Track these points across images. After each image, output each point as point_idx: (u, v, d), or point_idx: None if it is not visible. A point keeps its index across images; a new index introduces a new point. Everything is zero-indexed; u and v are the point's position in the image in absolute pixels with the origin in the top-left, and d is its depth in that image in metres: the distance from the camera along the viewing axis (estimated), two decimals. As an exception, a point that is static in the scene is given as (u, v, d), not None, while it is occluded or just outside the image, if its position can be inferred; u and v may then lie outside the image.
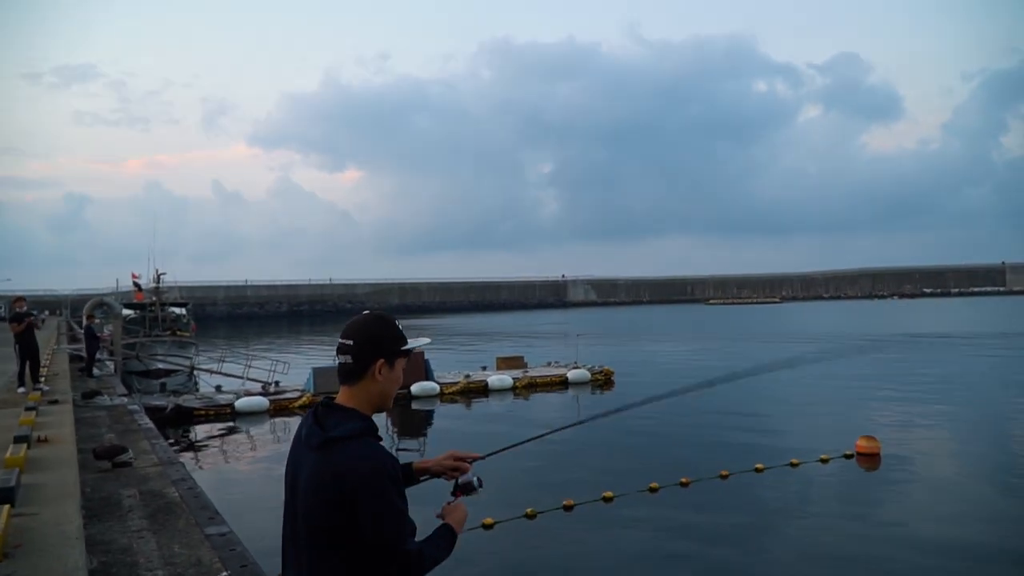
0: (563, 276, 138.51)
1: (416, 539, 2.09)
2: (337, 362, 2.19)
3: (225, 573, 4.76)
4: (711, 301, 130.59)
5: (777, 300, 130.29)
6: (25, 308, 13.38)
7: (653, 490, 11.99)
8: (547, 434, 3.29)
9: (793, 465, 13.37)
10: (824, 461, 13.67)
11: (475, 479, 2.41)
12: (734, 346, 42.78)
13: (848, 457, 13.88)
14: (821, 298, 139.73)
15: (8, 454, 6.29)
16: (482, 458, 2.54)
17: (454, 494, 2.38)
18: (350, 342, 2.12)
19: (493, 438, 15.35)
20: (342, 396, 2.15)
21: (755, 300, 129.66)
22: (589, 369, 26.30)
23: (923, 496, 12.01)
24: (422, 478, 2.46)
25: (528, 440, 3.31)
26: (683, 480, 12.39)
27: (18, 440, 6.94)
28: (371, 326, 2.17)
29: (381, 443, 2.09)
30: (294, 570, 2.10)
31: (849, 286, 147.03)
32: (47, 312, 68.35)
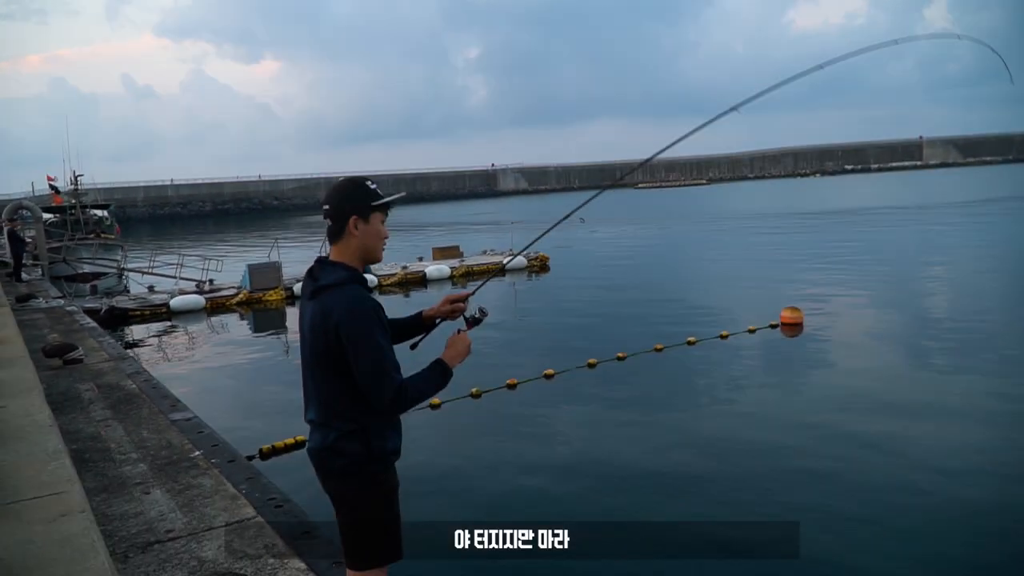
0: (492, 165, 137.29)
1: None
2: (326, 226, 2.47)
3: (198, 452, 5.01)
4: (640, 185, 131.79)
5: (704, 182, 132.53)
6: None
7: (591, 366, 12.60)
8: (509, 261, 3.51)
9: (723, 337, 14.15)
10: (751, 332, 14.50)
11: (477, 310, 2.73)
12: (663, 228, 43.85)
13: (773, 327, 14.75)
14: (746, 178, 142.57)
15: (-41, 355, 6.30)
16: (472, 293, 2.84)
17: (468, 327, 2.69)
18: (327, 206, 2.44)
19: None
20: (332, 254, 2.46)
21: (683, 183, 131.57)
22: (525, 255, 26.72)
23: (841, 360, 12.88)
24: (437, 322, 2.80)
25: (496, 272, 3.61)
26: (619, 355, 13.03)
27: (-36, 342, 6.91)
28: (342, 188, 2.48)
29: (364, 288, 2.41)
30: (312, 400, 2.46)
31: (773, 165, 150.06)
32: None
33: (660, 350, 13.36)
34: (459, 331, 2.65)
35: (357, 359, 2.30)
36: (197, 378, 13.79)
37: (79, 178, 33.27)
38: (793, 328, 14.70)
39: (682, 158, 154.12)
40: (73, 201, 31.88)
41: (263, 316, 20.30)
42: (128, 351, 11.24)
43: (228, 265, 26.39)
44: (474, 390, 11.31)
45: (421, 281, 24.25)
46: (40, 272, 22.12)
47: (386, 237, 2.52)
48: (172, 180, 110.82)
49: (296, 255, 29.81)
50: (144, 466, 4.80)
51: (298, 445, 8.18)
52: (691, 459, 8.66)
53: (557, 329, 16.92)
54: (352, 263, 2.43)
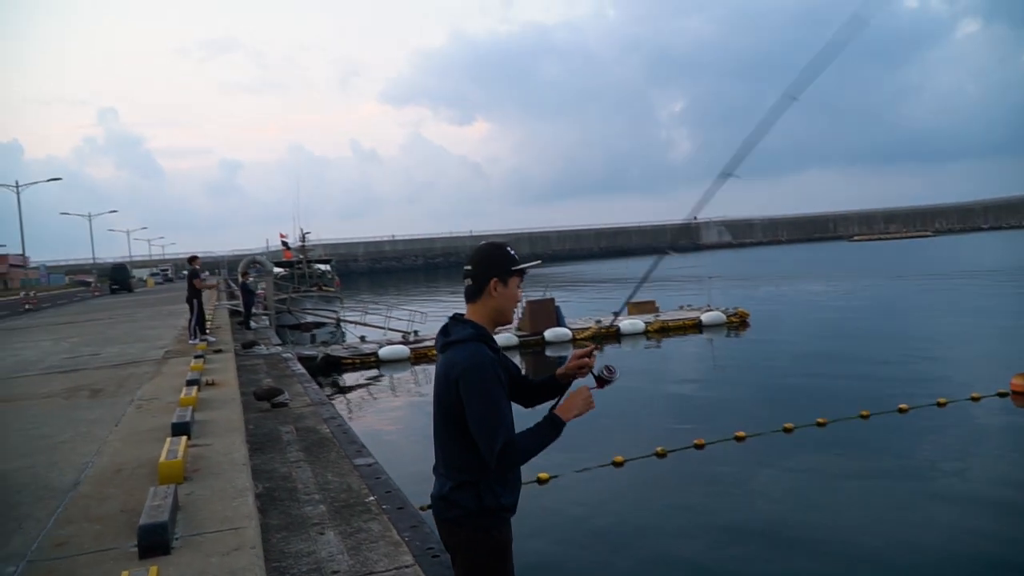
0: (695, 218, 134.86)
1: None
2: (464, 285, 2.59)
3: (372, 498, 5.23)
4: (856, 238, 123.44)
5: (929, 234, 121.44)
6: (197, 266, 14.75)
7: (787, 431, 11.80)
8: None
9: (940, 405, 12.75)
10: (975, 399, 12.95)
11: (604, 369, 2.69)
12: (878, 284, 40.57)
13: (1003, 396, 13.07)
14: (980, 229, 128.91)
15: (183, 395, 7.10)
16: (597, 347, 2.80)
17: (598, 387, 2.66)
18: (469, 267, 2.58)
19: (624, 383, 15.51)
20: (467, 313, 2.59)
21: (904, 235, 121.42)
22: (723, 311, 25.82)
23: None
24: (571, 382, 2.77)
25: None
26: (819, 420, 12.11)
27: (190, 383, 7.79)
28: (485, 251, 2.62)
29: (489, 346, 2.48)
30: (436, 449, 2.54)
31: (1011, 215, 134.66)
32: (207, 272, 73.77)
33: (866, 417, 12.24)
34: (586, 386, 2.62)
35: (470, 412, 2.37)
36: (389, 424, 14.57)
37: (306, 235, 36.87)
38: (1028, 397, 12.92)
39: (904, 208, 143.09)
40: (300, 256, 35.29)
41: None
42: (329, 397, 12.11)
43: (433, 316, 27.86)
44: (660, 449, 10.98)
45: (615, 336, 24.10)
46: (268, 321, 24.55)
47: (519, 300, 2.66)
48: (393, 236, 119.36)
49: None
50: (324, 507, 5.08)
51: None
52: (899, 536, 7.77)
53: (753, 389, 16.06)
54: (483, 322, 2.54)
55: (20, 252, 71.11)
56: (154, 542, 3.53)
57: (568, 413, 2.51)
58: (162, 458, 4.71)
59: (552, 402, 2.76)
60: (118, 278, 52.43)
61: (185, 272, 15.30)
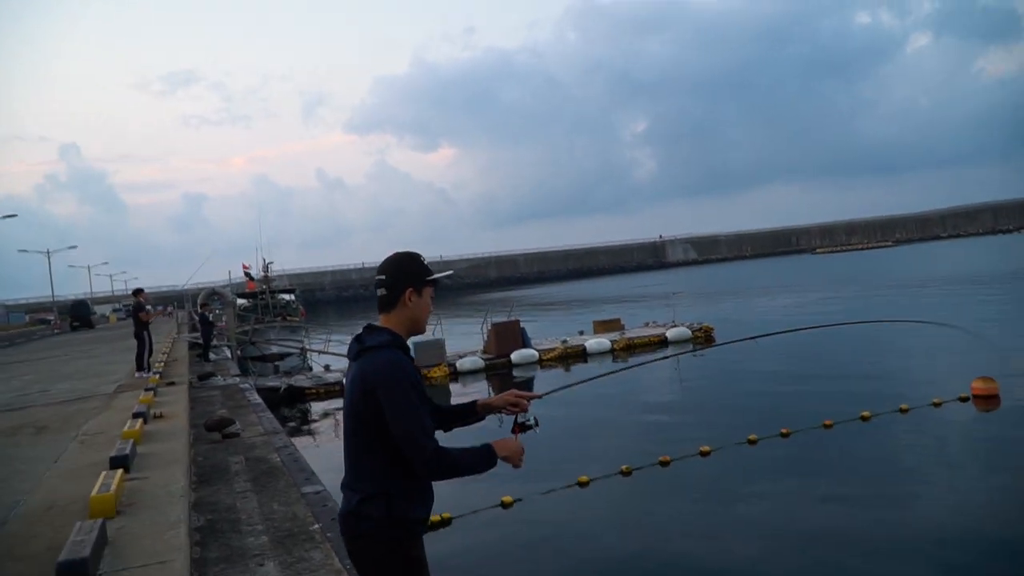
0: (660, 236, 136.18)
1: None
2: (377, 295, 2.54)
3: (317, 526, 5.08)
4: (818, 250, 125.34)
5: (890, 244, 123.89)
6: (143, 300, 14.50)
7: (752, 442, 11.80)
8: (602, 376, 3.42)
9: (902, 411, 12.84)
10: (936, 405, 13.07)
11: (533, 418, 2.64)
12: (838, 295, 41.13)
13: (963, 400, 13.22)
14: (939, 238, 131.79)
15: (126, 428, 6.89)
16: (540, 397, 2.77)
17: (513, 431, 2.60)
18: (383, 276, 2.52)
19: (594, 399, 15.44)
20: (381, 322, 2.53)
21: (866, 246, 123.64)
22: (688, 327, 25.94)
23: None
24: (487, 415, 2.73)
25: (585, 380, 3.53)
26: (783, 431, 12.14)
27: (136, 416, 7.57)
28: (399, 260, 2.58)
29: (405, 353, 2.44)
30: (347, 461, 2.44)
31: (969, 223, 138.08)
32: (171, 306, 72.59)
33: (829, 426, 12.27)
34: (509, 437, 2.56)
35: (394, 418, 2.30)
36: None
37: (269, 265, 36.51)
38: (987, 401, 13.07)
39: (864, 219, 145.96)
40: (263, 287, 34.89)
41: (428, 392, 20.89)
42: (293, 428, 11.90)
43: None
44: (624, 467, 10.89)
45: (581, 355, 24.07)
46: (229, 353, 24.15)
47: (431, 311, 2.61)
48: (363, 263, 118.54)
49: (461, 328, 30.74)
50: (266, 538, 4.93)
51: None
52: (865, 549, 7.76)
53: (717, 403, 16.08)
54: (398, 331, 2.48)
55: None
56: (73, 579, 3.37)
57: (503, 451, 2.46)
58: (93, 492, 4.54)
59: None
60: (79, 315, 51.62)
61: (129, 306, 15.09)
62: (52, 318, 67.85)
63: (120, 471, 5.11)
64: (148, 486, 5.09)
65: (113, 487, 4.64)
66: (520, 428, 2.61)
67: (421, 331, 2.58)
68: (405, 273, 2.53)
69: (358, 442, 2.38)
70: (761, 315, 33.86)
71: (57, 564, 3.42)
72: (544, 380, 21.38)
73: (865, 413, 12.66)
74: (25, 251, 68.72)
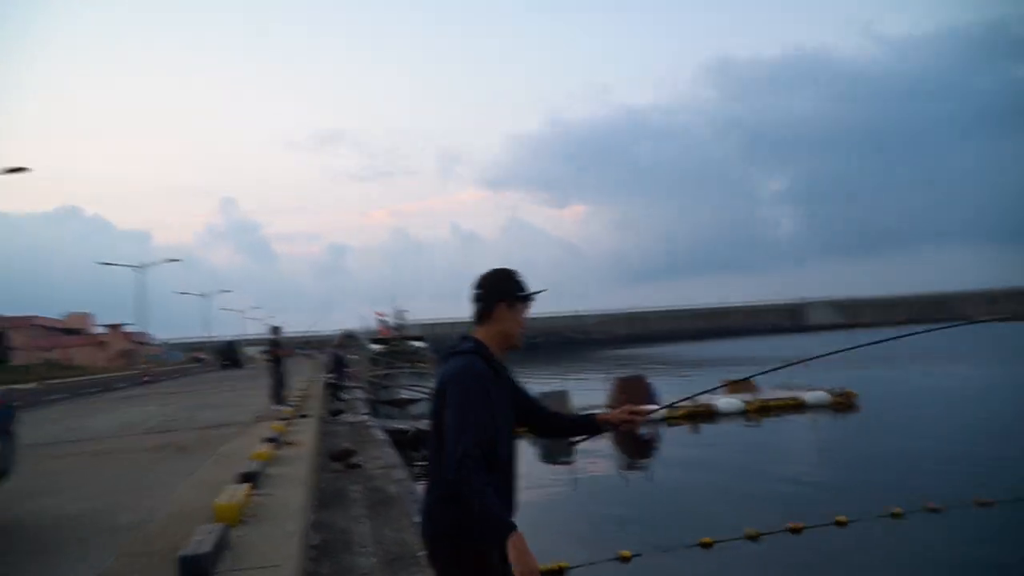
0: (801, 298, 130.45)
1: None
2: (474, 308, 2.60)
3: (423, 552, 5.12)
4: (982, 319, 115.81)
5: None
6: (278, 336, 15.34)
7: (896, 516, 10.91)
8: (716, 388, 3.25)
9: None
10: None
11: (650, 435, 2.58)
12: (1003, 367, 37.72)
13: None
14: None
15: (256, 450, 7.25)
16: (653, 411, 2.84)
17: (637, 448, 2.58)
18: (479, 290, 2.59)
19: (718, 463, 14.82)
20: (475, 334, 2.57)
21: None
22: (828, 391, 24.55)
23: None
24: (606, 430, 2.75)
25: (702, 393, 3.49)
26: (930, 505, 11.16)
27: (267, 440, 7.96)
28: (495, 275, 2.62)
29: (487, 362, 2.45)
30: (428, 464, 2.45)
31: None
32: (313, 351, 76.24)
33: (987, 504, 11.16)
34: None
35: (448, 415, 2.30)
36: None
37: (403, 314, 37.80)
38: None
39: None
40: (396, 334, 36.10)
41: (550, 443, 20.73)
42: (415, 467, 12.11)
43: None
44: (750, 531, 10.33)
45: (710, 414, 23.20)
46: (360, 394, 24.99)
47: (524, 327, 2.62)
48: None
49: (587, 384, 30.48)
50: (375, 559, 5.02)
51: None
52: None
53: (856, 471, 15.02)
54: (490, 344, 2.53)
55: (142, 330, 75.69)
56: (192, 572, 3.55)
57: (515, 548, 2.10)
58: (219, 501, 4.78)
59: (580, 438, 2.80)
60: (228, 354, 55.14)
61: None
62: (204, 357, 72.84)
63: (247, 485, 5.36)
64: (271, 502, 5.30)
65: (238, 498, 4.87)
66: (642, 443, 2.58)
67: (515, 345, 2.59)
68: (499, 288, 2.58)
69: (435, 442, 2.37)
70: (917, 383, 31.56)
71: (180, 557, 3.60)
72: (670, 439, 20.76)
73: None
74: (186, 293, 74.72)
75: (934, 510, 11.05)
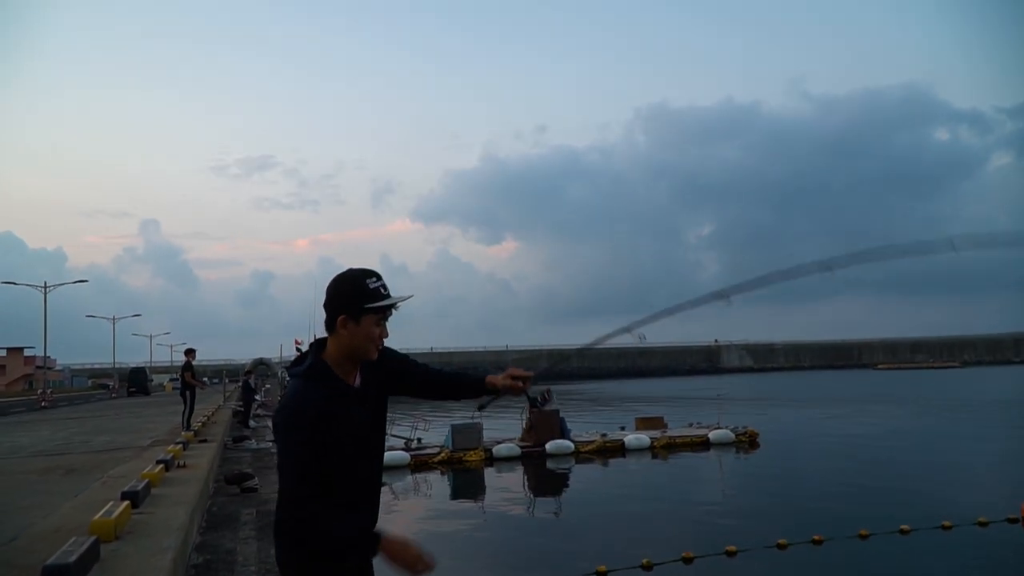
0: (715, 341, 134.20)
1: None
2: None
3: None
4: (880, 366, 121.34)
5: (956, 365, 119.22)
6: (191, 360, 15.05)
7: (781, 547, 11.40)
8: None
9: (945, 528, 12.26)
10: (982, 524, 12.45)
11: (542, 393, 2.74)
12: (900, 412, 39.71)
13: (1012, 521, 12.56)
14: (1011, 362, 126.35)
15: (146, 471, 7.16)
16: (534, 375, 2.57)
17: (532, 408, 2.76)
18: (325, 299, 2.24)
19: (627, 497, 15.12)
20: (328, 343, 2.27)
21: (931, 365, 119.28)
22: (732, 430, 25.38)
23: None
24: (494, 393, 2.60)
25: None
26: (815, 538, 11.70)
27: (159, 463, 7.85)
28: (336, 284, 2.24)
29: (314, 383, 2.18)
30: None
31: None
32: (226, 380, 74.17)
33: (865, 537, 11.79)
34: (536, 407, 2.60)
35: (278, 459, 2.17)
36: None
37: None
38: (1035, 522, 12.38)
39: (932, 338, 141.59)
40: (313, 362, 35.57)
41: (462, 475, 20.73)
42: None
43: (438, 425, 27.55)
44: (645, 561, 10.62)
45: (620, 450, 23.66)
46: (270, 423, 24.57)
47: (383, 337, 2.26)
48: (432, 348, 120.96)
49: (505, 415, 30.60)
50: (255, 578, 5.06)
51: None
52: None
53: (749, 505, 15.60)
54: (338, 356, 2.22)
55: (44, 354, 72.36)
56: (54, 584, 3.55)
57: (389, 549, 2.07)
58: (95, 516, 4.76)
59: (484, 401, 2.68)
60: (136, 381, 53.63)
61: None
62: (112, 383, 70.06)
63: (127, 503, 5.33)
64: (152, 520, 5.29)
65: (115, 515, 4.85)
66: (536, 403, 2.77)
67: (370, 359, 2.26)
68: (340, 301, 2.19)
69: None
70: (813, 425, 32.88)
71: (43, 567, 3.61)
72: (579, 474, 21.04)
73: (905, 527, 12.13)
74: (92, 316, 71.80)
75: (818, 542, 11.59)
